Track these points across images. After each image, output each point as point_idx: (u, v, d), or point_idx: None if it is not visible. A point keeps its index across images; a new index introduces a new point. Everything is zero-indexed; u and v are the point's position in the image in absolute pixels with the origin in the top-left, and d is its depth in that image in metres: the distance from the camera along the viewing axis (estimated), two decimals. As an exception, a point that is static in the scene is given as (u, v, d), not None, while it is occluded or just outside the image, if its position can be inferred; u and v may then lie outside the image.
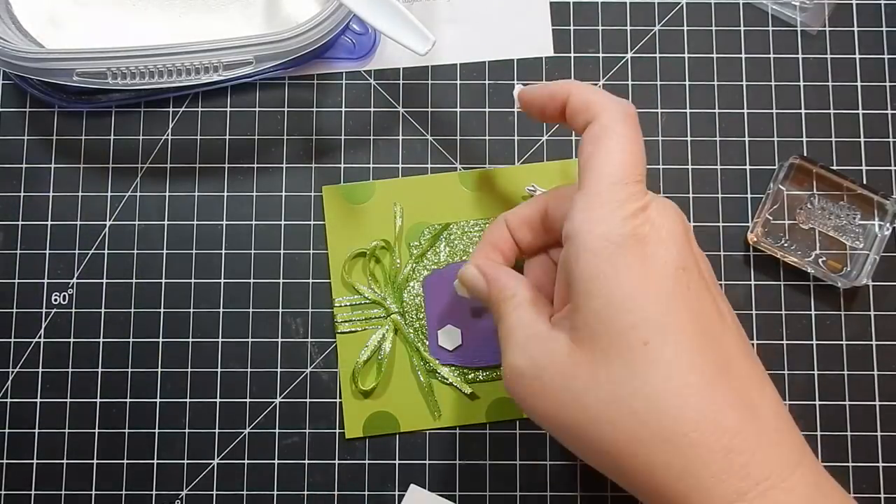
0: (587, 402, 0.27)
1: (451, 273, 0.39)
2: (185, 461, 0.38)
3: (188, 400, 0.39)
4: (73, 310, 0.39)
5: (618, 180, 0.28)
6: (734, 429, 0.25)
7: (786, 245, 0.40)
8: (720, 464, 0.25)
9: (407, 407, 0.38)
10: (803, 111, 0.41)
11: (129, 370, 0.39)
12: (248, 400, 0.39)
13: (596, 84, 0.41)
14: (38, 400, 0.39)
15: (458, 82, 0.41)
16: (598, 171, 0.28)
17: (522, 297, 0.31)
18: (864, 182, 0.40)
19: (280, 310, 0.39)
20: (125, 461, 0.38)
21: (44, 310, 0.39)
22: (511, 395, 0.29)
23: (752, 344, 0.39)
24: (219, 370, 0.39)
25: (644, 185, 0.29)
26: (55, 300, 0.40)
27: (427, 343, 0.39)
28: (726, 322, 0.28)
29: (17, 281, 0.40)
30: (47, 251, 0.40)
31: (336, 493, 0.38)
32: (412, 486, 0.38)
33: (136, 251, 0.40)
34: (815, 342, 0.39)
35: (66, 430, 0.39)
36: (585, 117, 0.30)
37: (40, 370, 0.39)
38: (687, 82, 0.41)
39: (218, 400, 0.39)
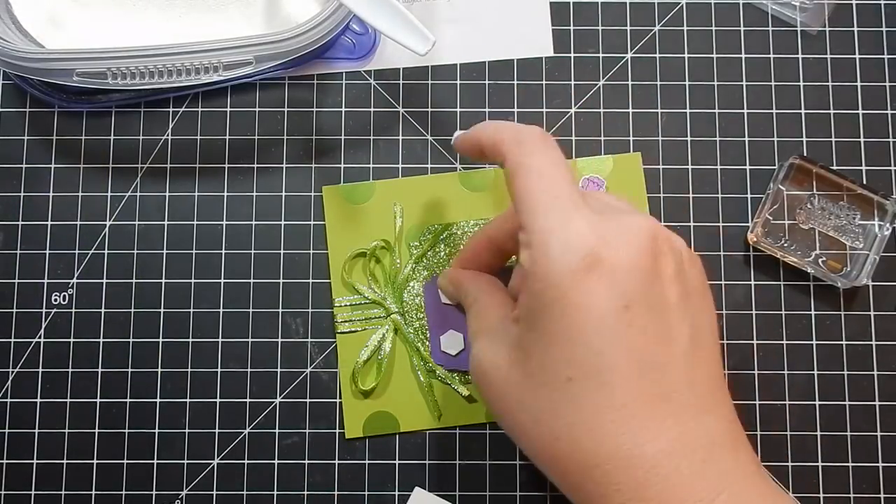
0: (520, 417, 0.28)
1: None
2: (185, 461, 0.38)
3: (188, 400, 0.39)
4: (73, 310, 0.39)
5: (548, 209, 0.28)
6: (650, 464, 0.26)
7: (786, 245, 0.40)
8: (632, 493, 0.26)
9: (407, 407, 0.38)
10: (803, 111, 0.41)
11: (129, 370, 0.39)
12: (248, 400, 0.39)
13: (596, 84, 0.41)
14: (38, 400, 0.39)
15: (458, 82, 0.41)
16: (527, 207, 0.28)
17: (482, 304, 0.33)
18: (864, 182, 0.40)
19: (280, 310, 0.39)
20: (125, 461, 0.38)
21: (44, 310, 0.39)
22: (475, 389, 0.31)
23: (752, 344, 0.39)
24: (219, 370, 0.39)
25: (582, 204, 0.28)
26: (55, 300, 0.40)
27: (427, 343, 0.39)
28: (675, 349, 0.27)
29: (17, 281, 0.40)
30: (47, 251, 0.40)
31: (336, 493, 0.38)
32: (417, 489, 0.38)
33: (136, 251, 0.40)
34: (815, 342, 0.39)
35: (66, 430, 0.39)
36: (500, 160, 0.30)
37: (40, 370, 0.39)
38: (687, 82, 0.41)
39: (218, 400, 0.39)
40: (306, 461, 0.38)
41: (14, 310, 0.40)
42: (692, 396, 0.27)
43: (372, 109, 0.41)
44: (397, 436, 0.38)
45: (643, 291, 0.27)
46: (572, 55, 0.42)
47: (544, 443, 0.28)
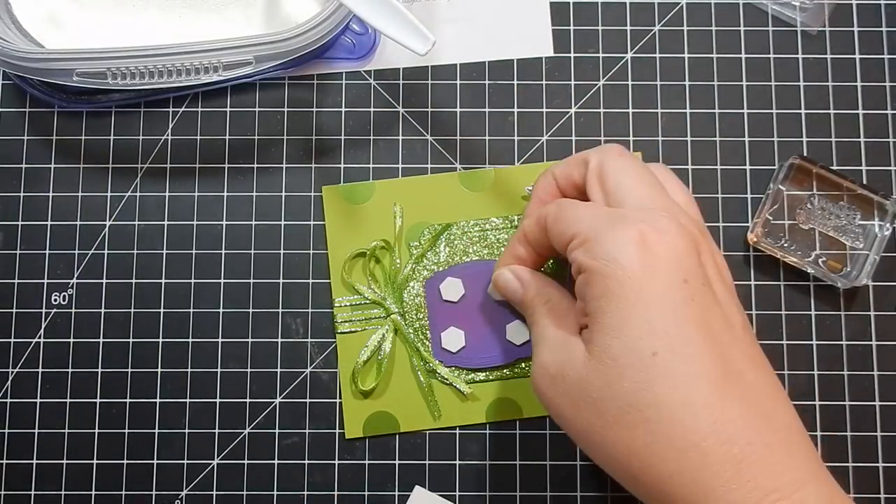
0: (602, 408, 0.28)
1: (452, 274, 0.39)
2: (185, 461, 0.38)
3: (188, 400, 0.39)
4: (73, 310, 0.39)
5: (635, 203, 0.30)
6: (745, 439, 0.26)
7: (786, 245, 0.40)
8: (730, 474, 0.25)
9: (407, 407, 0.38)
10: (803, 111, 0.41)
11: (129, 370, 0.39)
12: (248, 400, 0.39)
13: (596, 84, 0.41)
14: (38, 400, 0.39)
15: (458, 82, 0.41)
16: (574, 217, 0.31)
17: (554, 303, 0.33)
18: (864, 182, 0.40)
19: (280, 310, 0.39)
20: (125, 461, 0.38)
21: (44, 310, 0.39)
22: (536, 393, 0.31)
23: (752, 344, 0.39)
24: (219, 370, 0.39)
25: (648, 206, 0.30)
26: (55, 300, 0.40)
27: (427, 343, 0.39)
28: (735, 332, 0.28)
29: (16, 281, 0.40)
30: (47, 251, 0.40)
31: (336, 493, 0.38)
32: (417, 488, 0.38)
33: (136, 251, 0.40)
34: (815, 342, 0.39)
35: (66, 430, 0.39)
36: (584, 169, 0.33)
37: (40, 370, 0.39)
38: (687, 82, 0.41)
39: (218, 400, 0.39)
40: (306, 461, 0.38)
41: (14, 310, 0.40)
42: (760, 378, 0.28)
43: (372, 109, 0.41)
44: (397, 436, 0.38)
45: (695, 271, 0.28)
46: (572, 55, 0.42)
47: (632, 431, 0.27)
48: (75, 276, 0.40)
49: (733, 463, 0.25)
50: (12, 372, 0.39)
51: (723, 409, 0.26)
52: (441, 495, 0.38)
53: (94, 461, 0.38)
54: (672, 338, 0.27)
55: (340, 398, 0.39)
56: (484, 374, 0.39)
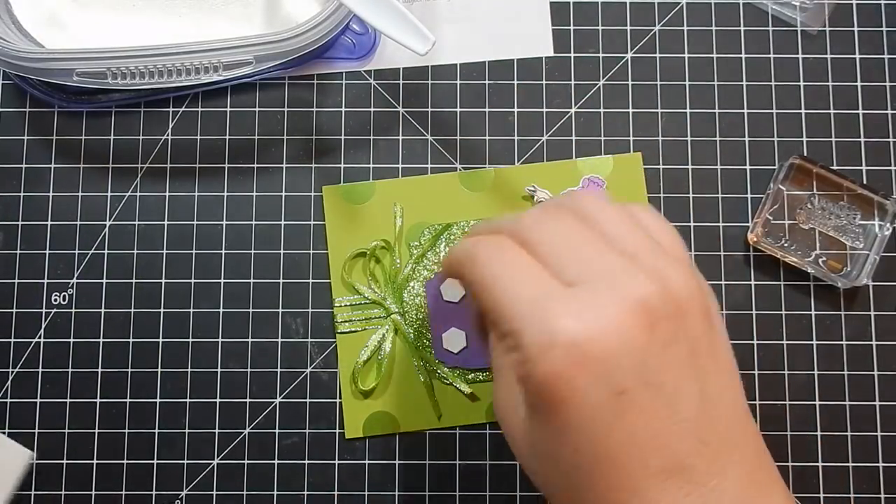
0: (535, 467, 0.27)
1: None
2: (185, 461, 0.38)
3: (188, 400, 0.39)
4: (73, 310, 0.39)
5: (521, 314, 0.26)
6: None
7: (786, 245, 0.40)
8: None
9: (407, 407, 0.38)
10: (803, 111, 0.41)
11: (129, 370, 0.39)
12: (248, 400, 0.39)
13: (596, 84, 0.41)
14: (38, 400, 0.39)
15: (458, 82, 0.41)
16: (500, 316, 0.27)
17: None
18: (865, 182, 0.40)
19: (280, 310, 0.39)
20: (125, 461, 0.38)
21: (44, 310, 0.39)
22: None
23: (752, 344, 0.39)
24: (219, 370, 0.39)
25: (555, 294, 0.26)
26: (55, 300, 0.40)
27: (427, 343, 0.39)
28: (681, 418, 0.25)
29: (16, 281, 0.40)
30: (47, 251, 0.40)
31: (336, 493, 0.38)
32: None
33: (136, 251, 0.40)
34: (815, 342, 0.39)
35: (66, 430, 0.39)
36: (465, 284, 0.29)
37: (40, 370, 0.39)
38: (687, 82, 0.41)
39: (218, 400, 0.39)
40: (306, 461, 0.38)
41: (14, 310, 0.40)
42: (705, 459, 0.25)
43: (372, 109, 0.41)
44: (397, 436, 0.38)
45: (637, 371, 0.25)
46: (572, 55, 0.42)
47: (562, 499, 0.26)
48: (75, 276, 0.40)
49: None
50: (12, 372, 0.39)
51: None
52: (441, 495, 0.38)
53: (94, 461, 0.38)
54: (595, 455, 0.25)
55: (340, 398, 0.39)
56: (484, 373, 0.39)
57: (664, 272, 0.26)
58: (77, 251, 0.40)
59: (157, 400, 0.39)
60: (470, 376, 0.39)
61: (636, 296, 0.25)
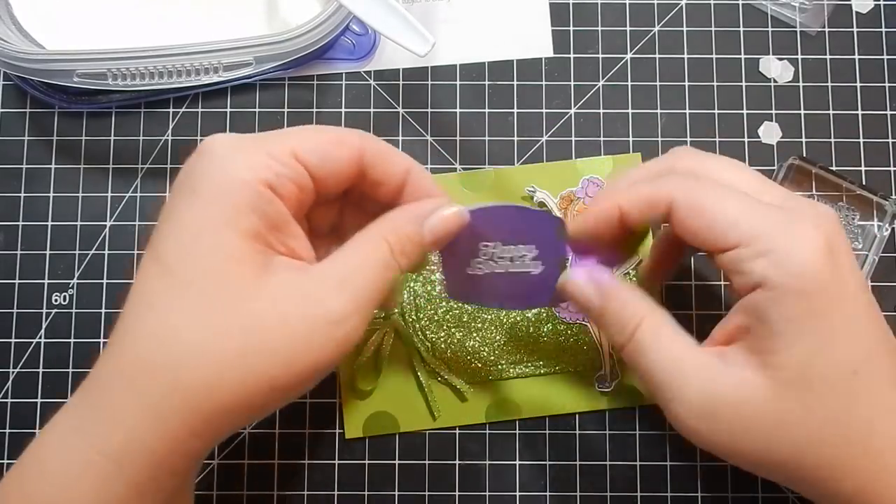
0: (796, 435, 0.27)
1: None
2: (186, 461, 0.38)
3: (188, 400, 0.39)
4: (74, 310, 0.40)
5: (762, 219, 0.27)
6: None
7: (785, 245, 0.40)
8: None
9: (406, 407, 0.38)
10: (803, 111, 0.41)
11: (130, 370, 0.39)
12: (248, 400, 0.39)
13: (595, 84, 0.41)
14: (39, 400, 0.39)
15: (458, 83, 0.41)
16: (735, 224, 0.28)
17: (663, 321, 0.29)
18: (864, 183, 0.40)
19: (280, 310, 0.39)
20: (126, 461, 0.38)
21: (44, 310, 0.40)
22: (689, 436, 0.28)
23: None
24: (219, 370, 0.39)
25: (779, 196, 0.28)
26: (55, 300, 0.40)
27: (427, 344, 0.39)
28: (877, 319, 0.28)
29: (17, 281, 0.40)
30: (47, 251, 0.40)
31: (336, 493, 0.38)
32: None
33: (136, 251, 0.40)
34: (814, 342, 0.39)
35: (67, 430, 0.39)
36: (664, 207, 0.29)
37: (41, 370, 0.39)
38: (686, 82, 0.41)
39: (218, 400, 0.39)
40: (306, 461, 0.38)
41: (15, 310, 0.40)
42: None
43: (372, 110, 0.41)
44: (397, 436, 0.38)
45: (857, 265, 0.28)
46: (572, 55, 0.42)
47: (836, 449, 0.26)
48: (76, 276, 0.40)
49: None
50: (13, 372, 0.39)
51: None
52: (441, 495, 0.38)
53: (95, 461, 0.38)
54: (880, 351, 0.27)
55: (340, 398, 0.39)
56: (484, 373, 0.39)
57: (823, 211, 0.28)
58: (77, 251, 0.40)
59: (158, 400, 0.39)
60: (468, 378, 0.38)
61: (824, 213, 0.28)
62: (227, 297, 0.25)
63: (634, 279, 0.39)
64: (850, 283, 0.27)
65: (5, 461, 0.39)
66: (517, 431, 0.38)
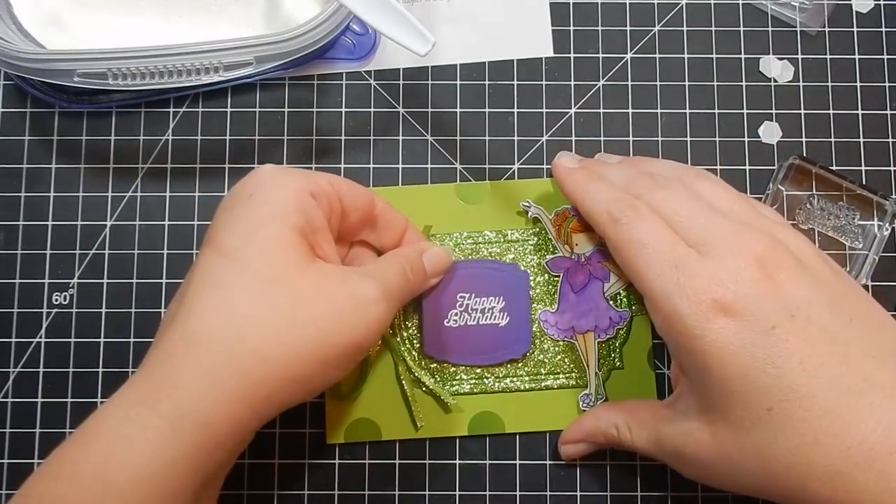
0: (743, 473, 0.30)
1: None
2: (186, 461, 0.38)
3: (189, 400, 0.39)
4: (74, 310, 0.40)
5: (658, 275, 0.31)
6: (885, 450, 0.27)
7: (785, 245, 0.40)
8: (882, 487, 0.27)
9: (389, 415, 0.38)
10: (803, 111, 0.41)
11: (130, 370, 0.39)
12: (248, 400, 0.39)
13: (596, 84, 0.41)
14: (39, 400, 0.39)
15: (458, 83, 0.41)
16: (639, 276, 0.32)
17: (634, 416, 0.34)
18: (864, 182, 0.40)
19: (280, 310, 0.39)
20: (126, 461, 0.38)
21: (44, 310, 0.40)
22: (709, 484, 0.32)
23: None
24: (219, 370, 0.39)
25: (684, 255, 0.31)
26: (56, 300, 0.40)
27: (413, 353, 0.38)
28: (847, 337, 0.29)
29: (17, 281, 0.40)
30: (48, 251, 0.40)
31: (336, 492, 0.38)
32: None
33: (136, 251, 0.40)
34: (814, 342, 0.39)
35: (67, 430, 0.39)
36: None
37: (41, 370, 0.39)
38: (686, 82, 0.41)
39: (218, 400, 0.39)
40: (306, 461, 0.38)
41: (15, 310, 0.40)
42: (884, 371, 0.28)
43: (372, 110, 0.41)
44: (397, 436, 0.38)
45: (777, 308, 0.29)
46: (572, 55, 0.42)
47: (781, 479, 0.28)
48: (76, 276, 0.40)
49: (882, 479, 0.27)
50: (13, 372, 0.39)
51: (854, 431, 0.27)
52: (441, 495, 0.38)
53: (95, 461, 0.38)
54: (781, 390, 0.28)
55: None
56: (469, 386, 0.38)
57: (772, 230, 0.31)
58: (78, 251, 0.40)
59: (158, 400, 0.39)
60: (454, 388, 0.38)
61: (747, 251, 0.30)
62: (279, 276, 0.29)
63: (626, 299, 0.39)
64: (743, 332, 0.29)
65: (6, 461, 0.39)
66: (517, 431, 0.38)
